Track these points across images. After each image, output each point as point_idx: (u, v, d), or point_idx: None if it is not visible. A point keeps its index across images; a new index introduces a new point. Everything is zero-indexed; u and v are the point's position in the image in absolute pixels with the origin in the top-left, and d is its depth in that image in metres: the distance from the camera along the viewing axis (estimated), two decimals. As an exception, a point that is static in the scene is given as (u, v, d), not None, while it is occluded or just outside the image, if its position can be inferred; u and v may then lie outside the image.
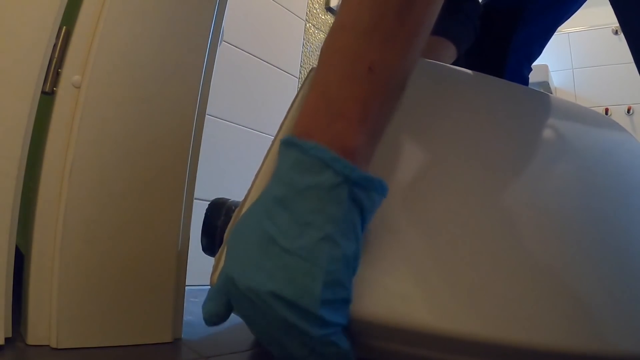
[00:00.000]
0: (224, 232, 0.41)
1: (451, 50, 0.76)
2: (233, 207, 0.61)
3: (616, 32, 2.04)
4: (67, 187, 0.49)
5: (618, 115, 1.99)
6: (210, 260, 0.43)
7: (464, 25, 0.79)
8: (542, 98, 0.58)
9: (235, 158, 1.21)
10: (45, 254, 0.48)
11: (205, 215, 0.63)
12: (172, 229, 0.57)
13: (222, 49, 1.18)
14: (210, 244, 0.62)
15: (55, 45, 0.49)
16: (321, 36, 1.55)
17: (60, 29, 0.50)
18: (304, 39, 1.47)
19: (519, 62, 0.86)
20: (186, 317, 0.60)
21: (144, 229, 0.54)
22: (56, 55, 0.50)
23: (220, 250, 0.39)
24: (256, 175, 0.43)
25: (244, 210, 0.38)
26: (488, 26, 0.84)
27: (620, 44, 2.04)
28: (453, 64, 0.82)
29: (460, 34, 0.77)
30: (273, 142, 0.45)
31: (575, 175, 0.46)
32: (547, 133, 0.52)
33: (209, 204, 0.64)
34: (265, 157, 0.44)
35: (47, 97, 0.50)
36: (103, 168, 0.51)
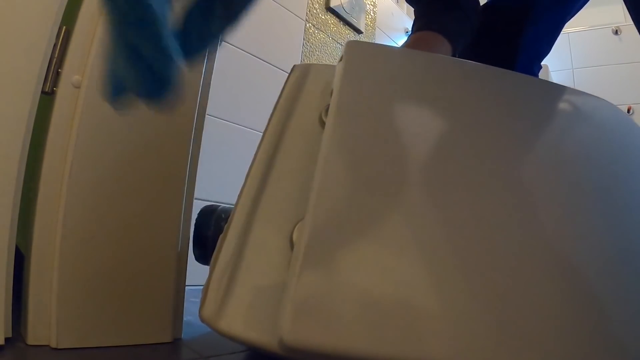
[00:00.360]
0: (215, 243, 0.39)
1: (446, 47, 0.75)
2: (223, 216, 0.60)
3: (616, 32, 2.04)
4: (66, 187, 0.49)
5: (618, 115, 1.99)
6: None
7: (460, 22, 0.77)
8: (546, 86, 0.56)
9: (234, 158, 1.21)
10: (45, 254, 0.48)
11: (195, 225, 0.61)
12: (172, 230, 0.57)
13: (222, 49, 1.18)
14: (203, 254, 0.61)
15: (55, 45, 0.49)
16: (321, 36, 1.55)
17: (60, 28, 0.50)
18: (304, 38, 1.47)
19: (530, 60, 0.84)
20: (186, 317, 0.60)
21: (143, 229, 0.54)
22: (56, 55, 0.50)
23: (206, 282, 0.37)
24: (245, 179, 0.42)
25: (232, 223, 0.36)
26: (497, 23, 0.83)
27: (621, 44, 2.04)
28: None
29: (456, 31, 0.76)
30: (260, 142, 0.45)
31: (584, 169, 0.43)
32: (555, 124, 0.49)
33: (198, 213, 0.62)
34: (253, 160, 0.44)
35: (47, 97, 0.50)
36: (103, 168, 0.51)
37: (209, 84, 0.63)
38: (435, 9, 0.78)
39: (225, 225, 0.39)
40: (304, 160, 0.41)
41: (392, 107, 0.42)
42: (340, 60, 0.48)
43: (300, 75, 0.51)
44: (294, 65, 0.54)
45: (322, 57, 1.54)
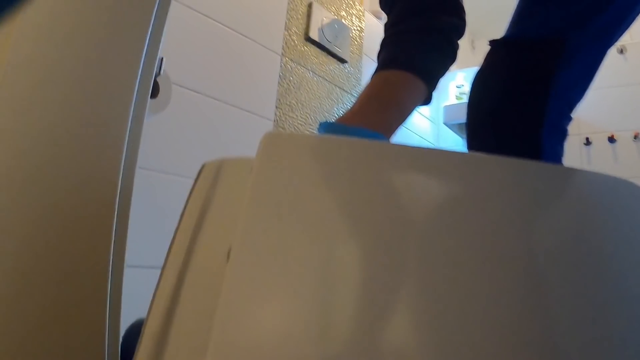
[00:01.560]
0: None
1: (420, 91, 0.58)
2: None
3: (621, 52, 1.93)
4: None
5: (624, 141, 1.87)
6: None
7: (439, 52, 0.61)
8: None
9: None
10: None
11: (121, 348, 0.52)
12: (98, 334, 0.50)
13: (185, 98, 1.09)
14: None
15: None
16: (300, 71, 1.43)
17: None
18: (279, 75, 1.34)
19: (561, 113, 0.65)
20: None
21: (65, 333, 0.47)
22: None
23: None
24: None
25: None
26: (519, 66, 0.65)
27: (626, 64, 1.93)
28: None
29: (432, 67, 0.59)
30: (160, 279, 0.38)
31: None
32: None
33: (123, 335, 0.54)
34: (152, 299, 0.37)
35: None
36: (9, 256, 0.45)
37: (140, 130, 0.55)
38: (408, 30, 0.60)
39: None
40: (208, 310, 0.33)
41: (312, 241, 0.31)
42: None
43: (209, 182, 0.43)
44: (203, 165, 0.45)
45: (302, 95, 1.41)
